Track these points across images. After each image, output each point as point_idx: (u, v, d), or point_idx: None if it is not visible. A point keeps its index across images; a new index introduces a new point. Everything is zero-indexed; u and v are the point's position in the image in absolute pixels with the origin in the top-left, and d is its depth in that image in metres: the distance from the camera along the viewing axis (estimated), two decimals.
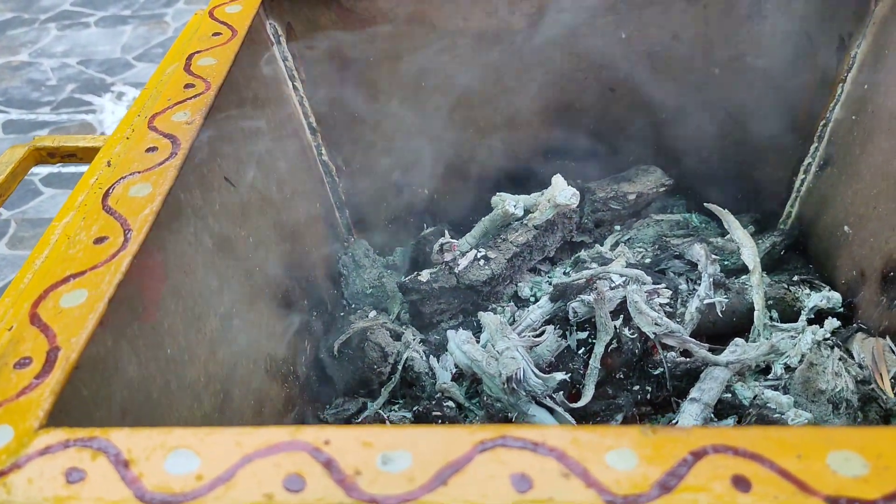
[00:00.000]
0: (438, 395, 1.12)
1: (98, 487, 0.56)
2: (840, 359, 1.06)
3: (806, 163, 1.38)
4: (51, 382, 0.65)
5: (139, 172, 0.89)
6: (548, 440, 0.57)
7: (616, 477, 0.55)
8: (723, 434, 0.57)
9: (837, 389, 1.02)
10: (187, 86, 1.04)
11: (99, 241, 0.79)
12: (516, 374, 1.02)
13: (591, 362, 1.08)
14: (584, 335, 1.12)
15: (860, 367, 1.08)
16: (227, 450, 0.58)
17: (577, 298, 1.11)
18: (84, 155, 1.24)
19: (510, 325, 1.18)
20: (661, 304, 1.12)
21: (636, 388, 1.07)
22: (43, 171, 2.60)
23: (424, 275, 1.27)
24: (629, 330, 1.08)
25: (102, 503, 0.55)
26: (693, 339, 1.07)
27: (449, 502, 0.54)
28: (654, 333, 1.06)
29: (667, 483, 0.54)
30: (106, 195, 0.86)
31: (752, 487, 0.53)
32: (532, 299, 1.30)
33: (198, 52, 1.11)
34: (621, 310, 1.10)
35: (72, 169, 2.60)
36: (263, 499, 0.55)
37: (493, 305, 1.29)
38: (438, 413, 1.07)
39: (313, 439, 0.58)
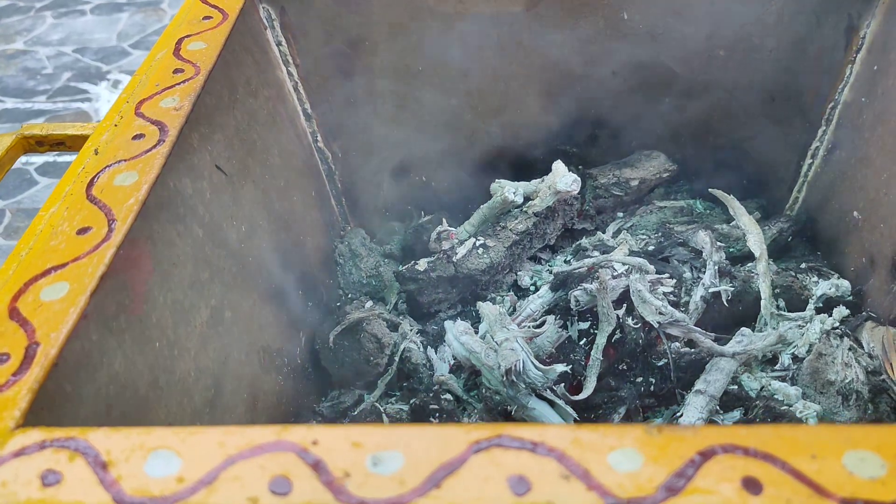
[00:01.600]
0: (436, 388, 1.09)
1: (75, 490, 0.53)
2: (850, 349, 1.03)
3: (813, 147, 1.34)
4: (29, 380, 0.62)
5: (125, 160, 0.86)
6: (547, 440, 0.54)
7: (619, 479, 0.52)
8: (732, 433, 0.54)
9: (847, 381, 0.99)
10: (176, 71, 1.01)
11: (82, 231, 0.77)
12: (515, 366, 0.99)
13: (592, 353, 1.05)
14: (585, 325, 1.09)
15: (870, 356, 1.05)
16: (209, 451, 0.55)
17: (579, 287, 1.08)
18: (73, 143, 1.21)
19: (510, 315, 1.15)
20: (664, 294, 1.09)
21: (639, 379, 1.04)
22: (38, 160, 2.57)
23: (422, 264, 1.24)
24: (633, 319, 1.05)
25: None
26: (698, 329, 1.04)
27: None
28: (659, 323, 1.03)
29: (673, 485, 0.51)
30: (90, 184, 0.83)
31: (764, 490, 0.51)
32: (532, 288, 1.27)
33: (187, 36, 1.08)
34: (624, 299, 1.07)
35: (68, 158, 2.57)
36: (247, 502, 0.52)
37: (493, 295, 1.26)
38: (436, 406, 1.04)
39: (301, 439, 0.55)
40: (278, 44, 1.31)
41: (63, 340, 0.66)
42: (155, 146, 0.89)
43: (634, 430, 0.55)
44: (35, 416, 0.62)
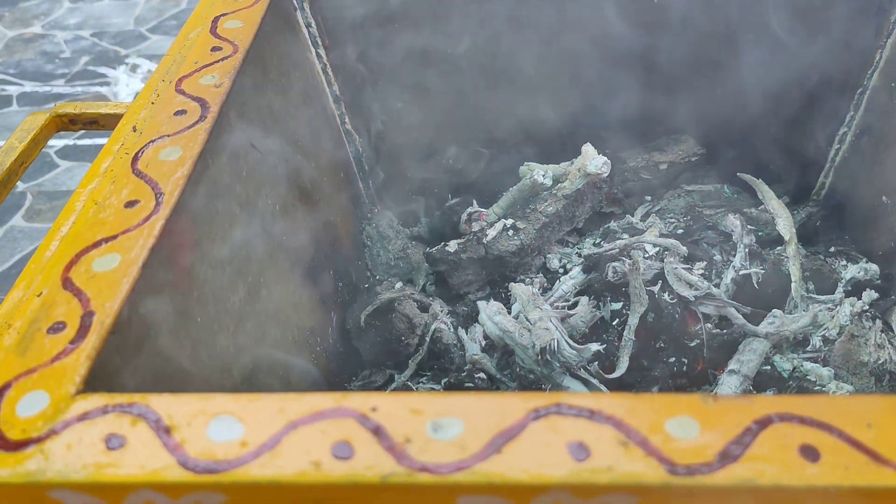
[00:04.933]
0: (469, 367, 1.10)
1: (139, 454, 0.54)
2: (882, 330, 1.03)
3: (841, 132, 1.34)
4: (86, 347, 0.63)
5: (168, 136, 0.87)
6: (604, 408, 0.55)
7: (677, 446, 0.53)
8: (788, 402, 0.54)
9: (880, 361, 0.99)
10: (214, 48, 1.02)
11: (130, 204, 0.77)
12: (550, 345, 0.99)
13: (625, 334, 1.06)
14: (618, 306, 1.09)
15: None
16: (271, 416, 0.56)
17: (618, 259, 1.09)
18: (106, 122, 1.22)
19: (541, 296, 1.15)
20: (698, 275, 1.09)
21: (672, 360, 1.05)
22: (58, 143, 2.58)
23: (452, 245, 1.24)
24: (668, 295, 1.05)
25: (144, 470, 0.53)
26: (733, 302, 1.05)
27: (504, 471, 0.52)
28: (695, 297, 1.04)
29: (731, 452, 0.52)
30: (135, 159, 0.84)
31: (821, 457, 0.51)
32: (561, 271, 1.27)
33: (224, 14, 1.09)
34: (657, 279, 1.08)
35: (88, 141, 2.58)
36: (311, 466, 0.53)
37: (522, 277, 1.27)
38: (470, 385, 1.05)
39: (360, 406, 0.56)
40: (308, 25, 1.32)
41: (117, 310, 0.67)
42: (197, 122, 0.89)
43: (690, 398, 0.55)
44: (89, 384, 0.63)
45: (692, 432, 0.53)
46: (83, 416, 0.58)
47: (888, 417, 0.53)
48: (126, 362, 0.70)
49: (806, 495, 0.50)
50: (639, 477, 0.51)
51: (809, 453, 0.51)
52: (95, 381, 0.64)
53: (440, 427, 0.54)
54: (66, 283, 0.69)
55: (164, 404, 0.57)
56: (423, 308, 1.22)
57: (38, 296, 0.73)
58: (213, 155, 0.92)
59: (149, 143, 0.86)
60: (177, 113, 0.90)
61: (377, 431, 0.54)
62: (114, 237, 0.74)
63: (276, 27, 1.19)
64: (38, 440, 0.57)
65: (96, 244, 0.73)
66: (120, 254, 0.72)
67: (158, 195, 0.78)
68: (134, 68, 2.95)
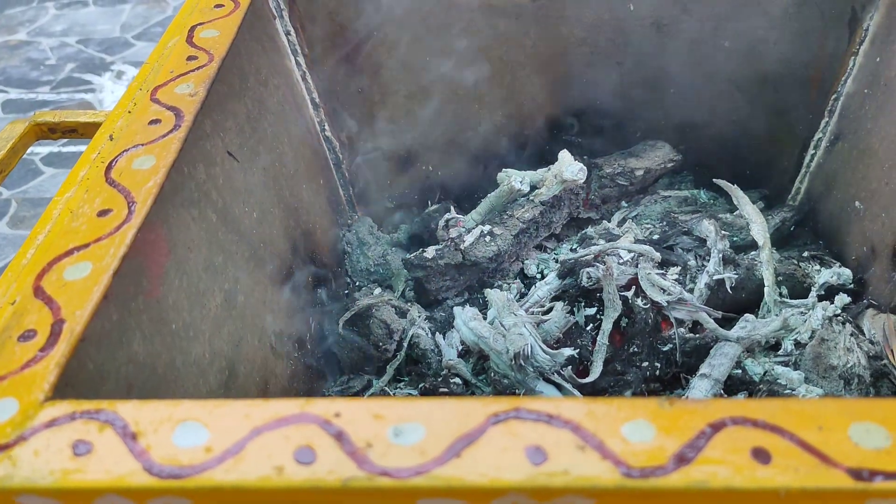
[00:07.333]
0: (445, 372, 1.11)
1: (105, 460, 0.55)
2: (851, 334, 1.04)
3: (816, 138, 1.36)
4: (56, 355, 0.64)
5: (142, 145, 0.88)
6: (563, 412, 0.56)
7: (632, 449, 0.54)
8: (742, 406, 0.56)
9: (849, 365, 1.01)
10: (190, 58, 1.02)
11: (102, 213, 0.78)
12: (524, 350, 1.00)
13: (598, 339, 1.07)
14: (592, 311, 1.10)
15: (871, 342, 1.06)
16: (236, 422, 0.57)
17: (592, 265, 1.11)
18: (85, 130, 1.22)
19: (517, 301, 1.17)
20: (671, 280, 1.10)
21: (645, 364, 1.06)
22: (43, 150, 2.58)
23: (430, 251, 1.25)
24: (641, 300, 1.06)
25: (110, 476, 0.54)
26: (705, 307, 1.06)
27: (462, 475, 0.53)
28: (667, 302, 1.05)
29: (685, 455, 0.53)
30: (109, 168, 0.85)
31: (773, 459, 0.52)
32: (538, 276, 1.29)
33: (200, 24, 1.10)
34: (630, 286, 1.09)
35: (72, 148, 2.58)
36: (274, 471, 0.54)
37: (499, 283, 1.28)
38: (445, 390, 1.06)
39: (323, 412, 0.57)
40: (287, 33, 1.33)
41: (88, 318, 0.68)
42: (171, 131, 0.90)
43: (647, 403, 0.56)
44: (60, 391, 0.64)
45: (648, 436, 0.54)
46: (51, 423, 0.58)
47: (838, 420, 0.54)
48: (98, 369, 0.71)
49: (756, 497, 0.51)
50: (594, 480, 0.52)
51: (761, 455, 0.53)
52: (67, 388, 0.65)
53: (401, 432, 0.55)
54: (38, 292, 0.70)
55: (130, 410, 0.58)
56: (402, 314, 1.23)
57: (12, 304, 0.74)
58: (187, 163, 0.92)
59: (123, 152, 0.86)
60: (151, 122, 0.91)
61: (339, 437, 0.55)
62: (86, 246, 0.74)
63: (254, 36, 1.20)
64: (7, 447, 0.57)
65: (68, 252, 0.74)
66: (91, 262, 0.73)
67: (131, 204, 0.79)
68: (119, 75, 2.96)
